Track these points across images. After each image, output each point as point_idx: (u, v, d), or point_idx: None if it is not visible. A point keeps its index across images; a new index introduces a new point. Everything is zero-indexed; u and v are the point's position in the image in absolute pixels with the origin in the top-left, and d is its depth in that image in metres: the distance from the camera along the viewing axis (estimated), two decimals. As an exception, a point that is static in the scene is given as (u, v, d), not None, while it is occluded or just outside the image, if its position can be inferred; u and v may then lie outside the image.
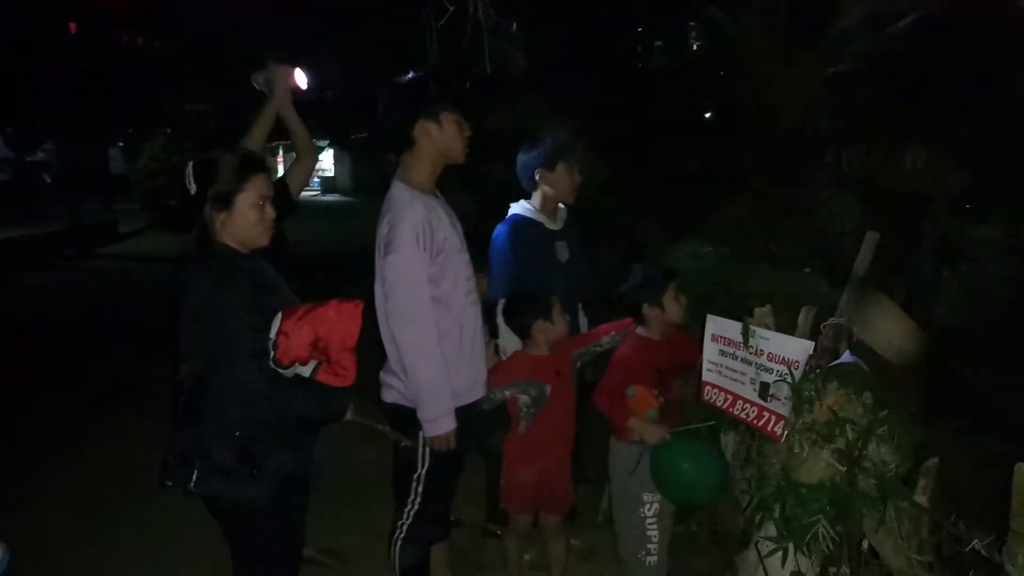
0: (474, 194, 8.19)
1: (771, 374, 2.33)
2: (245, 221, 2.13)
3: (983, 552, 1.75)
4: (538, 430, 2.84)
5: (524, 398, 2.83)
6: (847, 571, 2.13)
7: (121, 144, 23.46)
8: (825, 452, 2.09)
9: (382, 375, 2.58)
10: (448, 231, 2.48)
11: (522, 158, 3.26)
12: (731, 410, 2.50)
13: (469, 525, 3.55)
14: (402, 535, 2.62)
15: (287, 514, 2.26)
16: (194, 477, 2.07)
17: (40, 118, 18.02)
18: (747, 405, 2.42)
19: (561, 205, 3.34)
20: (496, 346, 3.07)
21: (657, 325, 2.83)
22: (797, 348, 2.27)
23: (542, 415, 2.83)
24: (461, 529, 3.45)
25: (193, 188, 2.12)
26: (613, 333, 2.95)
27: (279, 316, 2.04)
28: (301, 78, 3.04)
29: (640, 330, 2.87)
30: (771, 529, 2.21)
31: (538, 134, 3.30)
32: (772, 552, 2.16)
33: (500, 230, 3.22)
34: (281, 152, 26.38)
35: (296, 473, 2.22)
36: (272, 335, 2.03)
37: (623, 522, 2.86)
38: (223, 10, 15.86)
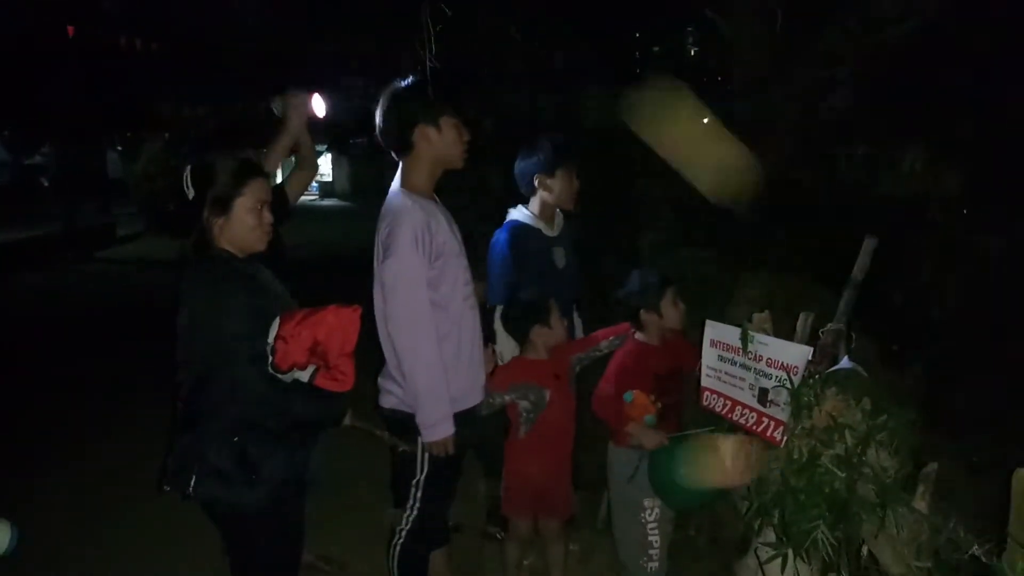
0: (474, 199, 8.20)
1: (770, 379, 2.32)
2: (243, 225, 2.13)
3: (983, 558, 1.74)
4: (538, 435, 2.84)
5: (524, 403, 2.83)
6: (846, 577, 2.13)
7: (120, 148, 23.44)
8: (824, 458, 2.09)
9: (381, 380, 2.58)
10: (447, 236, 2.48)
11: (521, 164, 3.25)
12: (730, 415, 2.49)
13: (468, 530, 3.54)
14: (401, 540, 2.61)
15: (285, 519, 2.25)
16: (192, 482, 2.07)
17: (38, 121, 18.01)
18: (746, 410, 2.42)
19: (558, 211, 3.34)
20: (493, 352, 3.06)
21: (655, 330, 2.83)
22: (796, 353, 2.27)
23: (541, 420, 2.83)
24: (460, 534, 3.44)
25: (191, 192, 2.12)
26: (612, 337, 2.95)
27: (277, 321, 2.04)
28: (319, 105, 3.01)
29: (638, 335, 2.87)
30: (770, 535, 2.21)
31: (535, 141, 3.29)
32: (771, 558, 2.16)
33: (499, 236, 3.22)
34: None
35: (294, 478, 2.21)
36: (270, 340, 2.03)
37: (623, 528, 2.85)
38: (221, 13, 15.89)
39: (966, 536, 1.81)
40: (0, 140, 22.84)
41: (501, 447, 2.96)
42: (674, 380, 2.84)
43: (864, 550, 2.12)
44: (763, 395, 2.35)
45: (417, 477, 2.52)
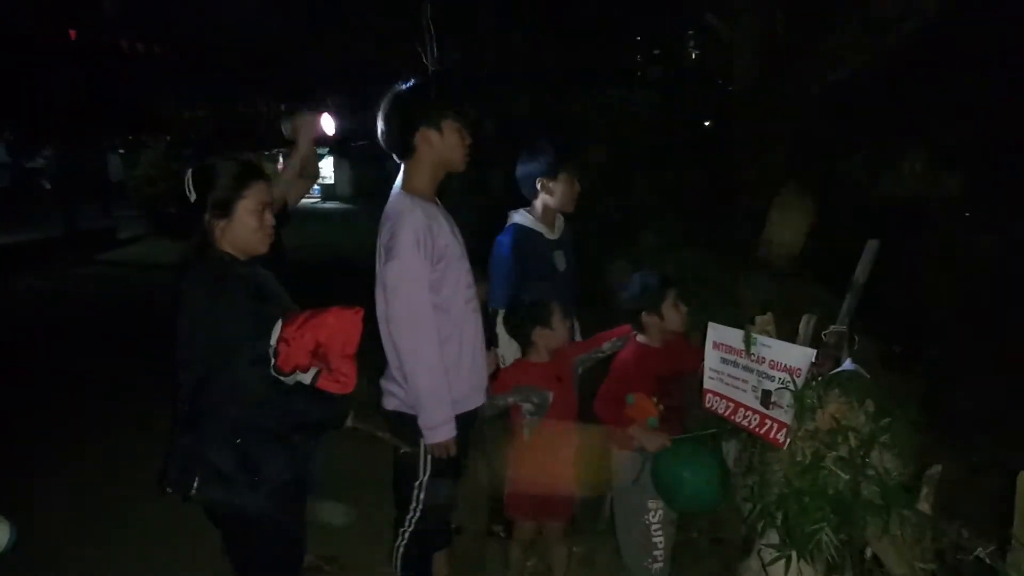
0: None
1: (773, 382, 2.32)
2: (245, 228, 2.13)
3: (987, 560, 1.74)
4: (541, 437, 2.84)
5: (527, 406, 2.82)
6: (850, 579, 2.12)
7: (121, 150, 23.47)
8: (828, 459, 2.08)
9: (383, 382, 2.58)
10: (448, 238, 2.48)
11: (524, 167, 3.25)
12: (733, 418, 2.49)
13: (470, 531, 3.54)
14: (404, 542, 2.61)
15: (287, 521, 2.25)
16: (195, 484, 2.07)
17: (39, 123, 18.04)
18: (749, 413, 2.42)
19: (559, 214, 3.34)
20: (495, 355, 3.06)
21: (656, 333, 2.83)
22: (799, 356, 2.26)
23: (545, 422, 2.82)
24: (462, 536, 3.44)
25: (193, 195, 2.12)
26: (614, 339, 2.95)
27: (279, 323, 2.04)
28: (328, 125, 3.01)
29: (640, 337, 2.87)
30: (774, 537, 2.20)
31: (537, 143, 3.29)
32: (775, 560, 2.15)
33: (502, 240, 3.22)
34: (281, 159, 26.38)
35: (296, 480, 2.21)
36: (273, 342, 2.02)
37: (627, 530, 2.85)
38: (222, 16, 15.91)
39: (970, 538, 1.80)
40: (2, 142, 22.85)
41: (504, 449, 2.96)
42: (676, 382, 2.84)
43: (868, 552, 2.12)
44: (766, 397, 2.34)
45: (419, 479, 2.52)
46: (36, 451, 4.81)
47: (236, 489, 2.08)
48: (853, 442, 2.05)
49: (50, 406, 5.69)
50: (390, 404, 2.54)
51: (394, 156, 2.54)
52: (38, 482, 4.34)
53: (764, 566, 2.24)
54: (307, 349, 2.04)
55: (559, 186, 3.20)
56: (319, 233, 16.62)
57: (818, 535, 2.03)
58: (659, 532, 2.76)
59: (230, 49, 17.28)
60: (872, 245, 2.45)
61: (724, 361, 2.55)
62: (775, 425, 2.29)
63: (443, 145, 2.48)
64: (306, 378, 2.10)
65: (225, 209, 2.11)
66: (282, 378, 2.04)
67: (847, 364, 2.22)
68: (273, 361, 2.02)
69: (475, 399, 2.60)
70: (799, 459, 2.15)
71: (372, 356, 2.43)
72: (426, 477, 2.51)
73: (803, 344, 2.38)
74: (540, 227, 3.24)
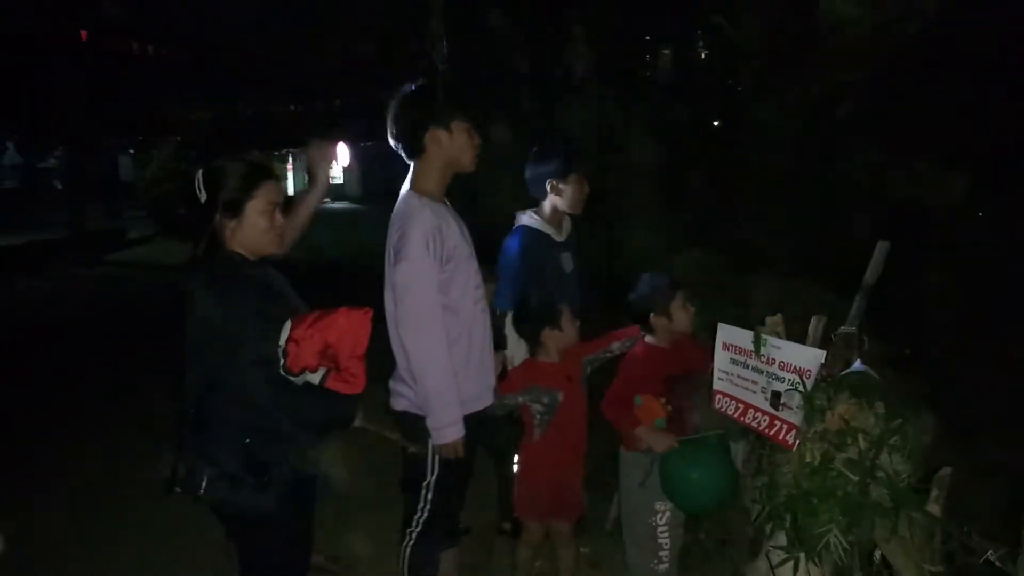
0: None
1: (783, 383, 2.32)
2: (255, 228, 2.14)
3: (997, 563, 1.73)
4: (552, 437, 2.84)
5: (537, 406, 2.82)
6: (858, 581, 2.11)
7: (131, 151, 23.59)
8: (837, 461, 2.08)
9: (392, 383, 2.58)
10: (457, 239, 2.48)
11: (534, 169, 3.24)
12: (742, 419, 2.49)
13: (479, 532, 3.54)
14: (411, 542, 2.61)
15: (295, 521, 2.26)
16: (203, 484, 2.07)
17: (50, 125, 18.15)
18: (758, 414, 2.41)
19: (567, 216, 3.33)
20: (504, 357, 3.06)
21: (664, 333, 2.82)
22: (809, 357, 2.26)
23: (555, 422, 2.83)
24: (470, 536, 3.43)
25: (203, 196, 2.12)
26: (623, 340, 2.95)
27: (288, 324, 2.05)
28: (343, 155, 2.98)
29: (648, 338, 2.86)
30: (782, 538, 2.20)
31: (547, 144, 3.29)
32: (783, 561, 2.15)
33: (511, 243, 3.21)
34: (291, 159, 26.44)
35: (304, 480, 2.21)
36: (282, 343, 2.03)
37: (634, 531, 2.85)
38: (230, 18, 15.98)
39: (980, 541, 1.80)
40: (13, 144, 23.00)
41: (513, 449, 2.96)
42: (684, 383, 2.83)
43: (877, 554, 2.11)
44: (775, 398, 2.34)
45: (428, 479, 2.52)
46: (36, 451, 4.83)
47: (244, 489, 2.08)
48: (863, 444, 2.04)
49: (50, 406, 5.73)
50: (399, 404, 2.54)
51: (403, 156, 2.55)
52: (38, 482, 4.36)
53: (772, 568, 2.24)
54: (316, 349, 2.04)
55: (569, 188, 3.20)
56: (328, 233, 16.63)
57: (827, 537, 2.02)
58: (665, 534, 2.76)
59: (239, 51, 17.35)
60: (883, 247, 2.44)
61: (734, 362, 2.55)
62: (784, 426, 2.29)
63: (452, 145, 2.48)
64: (315, 378, 2.10)
65: (235, 209, 2.12)
66: (291, 378, 2.04)
67: (857, 365, 2.22)
68: (282, 361, 2.02)
69: (484, 399, 2.60)
70: (808, 460, 2.15)
71: (381, 356, 2.43)
72: (434, 477, 2.51)
73: (813, 346, 2.37)
74: (548, 229, 3.24)
